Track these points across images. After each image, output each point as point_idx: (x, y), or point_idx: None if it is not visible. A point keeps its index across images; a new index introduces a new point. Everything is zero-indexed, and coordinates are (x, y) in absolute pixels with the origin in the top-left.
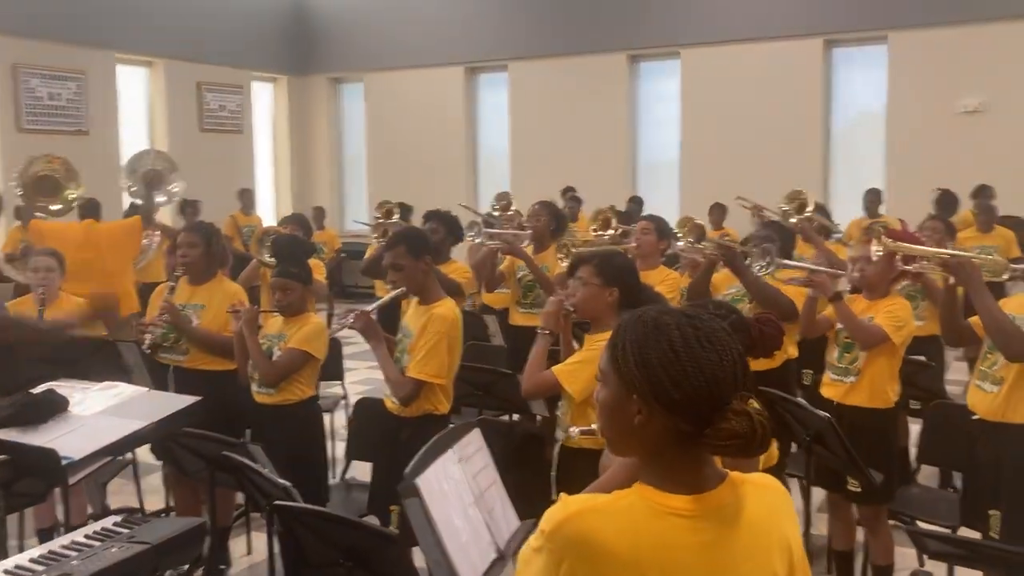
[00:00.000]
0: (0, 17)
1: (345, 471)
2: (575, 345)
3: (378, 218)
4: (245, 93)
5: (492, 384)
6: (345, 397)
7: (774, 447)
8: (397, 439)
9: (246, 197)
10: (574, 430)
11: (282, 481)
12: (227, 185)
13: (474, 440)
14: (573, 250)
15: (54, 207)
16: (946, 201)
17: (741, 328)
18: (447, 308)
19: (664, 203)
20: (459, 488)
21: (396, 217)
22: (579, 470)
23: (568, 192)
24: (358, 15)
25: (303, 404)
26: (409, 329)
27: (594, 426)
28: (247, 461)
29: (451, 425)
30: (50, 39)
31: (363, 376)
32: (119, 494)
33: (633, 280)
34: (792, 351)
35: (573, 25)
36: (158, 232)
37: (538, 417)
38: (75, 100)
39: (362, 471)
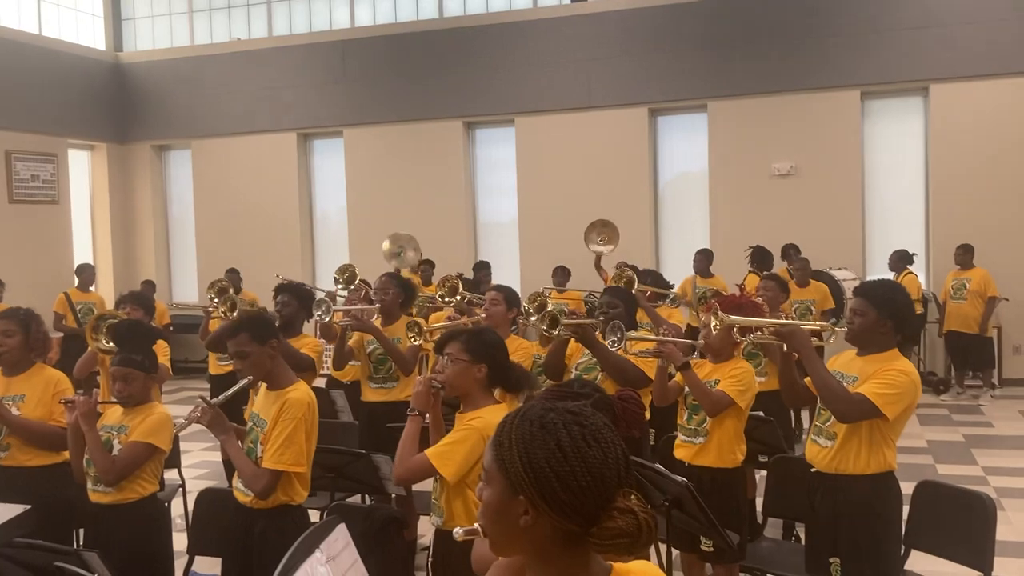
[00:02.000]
0: None
1: (188, 567)
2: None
3: (212, 298)
4: (60, 161)
5: (344, 466)
6: (183, 484)
7: None
8: (250, 532)
9: (85, 273)
10: (458, 531)
11: None
12: (42, 259)
13: (340, 536)
14: (424, 329)
15: None
16: (759, 257)
17: (604, 406)
18: (301, 392)
19: (505, 265)
20: None
21: (232, 292)
22: (455, 554)
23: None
24: (182, 82)
25: (145, 501)
26: (260, 417)
27: (477, 526)
28: (83, 572)
29: (307, 514)
30: None
31: (198, 459)
32: None
33: (502, 356)
34: (646, 416)
35: (408, 93)
36: None
37: (393, 497)
38: None
39: (205, 565)
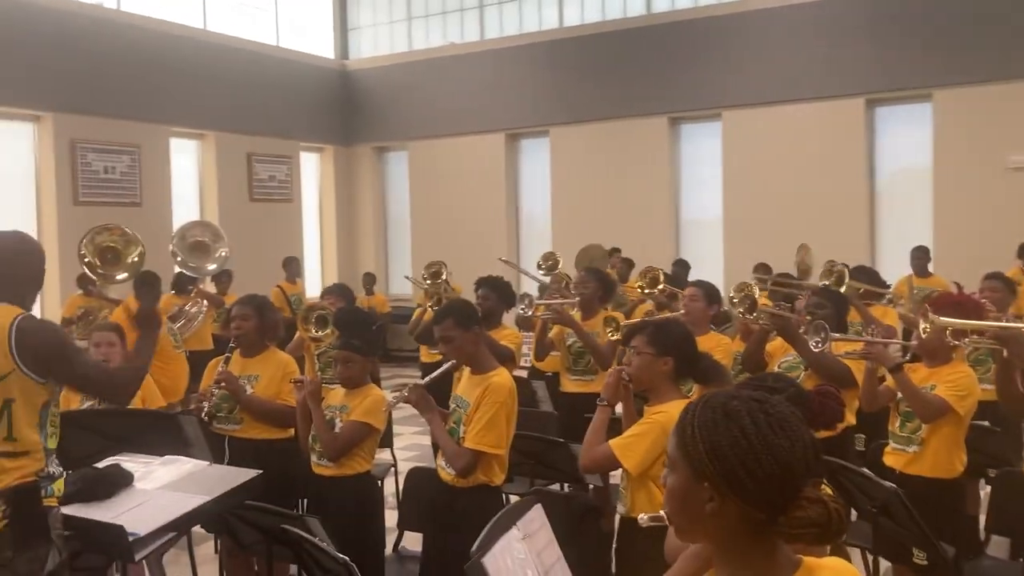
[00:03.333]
0: (60, 96)
1: (398, 542)
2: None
3: (425, 278)
4: (294, 163)
5: (543, 453)
6: (395, 464)
7: None
8: (450, 510)
9: (292, 265)
10: (643, 517)
11: (342, 556)
12: (275, 253)
13: (536, 516)
14: (622, 324)
15: (120, 276)
16: None
17: (801, 401)
18: (503, 378)
19: (708, 263)
20: (524, 566)
21: (444, 278)
22: (640, 543)
23: (615, 253)
24: (401, 86)
25: (361, 477)
26: (464, 399)
27: (662, 512)
28: (306, 535)
29: (503, 496)
30: (106, 115)
31: (410, 441)
32: (173, 564)
33: (689, 349)
34: (851, 419)
35: (613, 90)
36: (204, 300)
37: (591, 487)
38: (129, 173)
39: (414, 541)
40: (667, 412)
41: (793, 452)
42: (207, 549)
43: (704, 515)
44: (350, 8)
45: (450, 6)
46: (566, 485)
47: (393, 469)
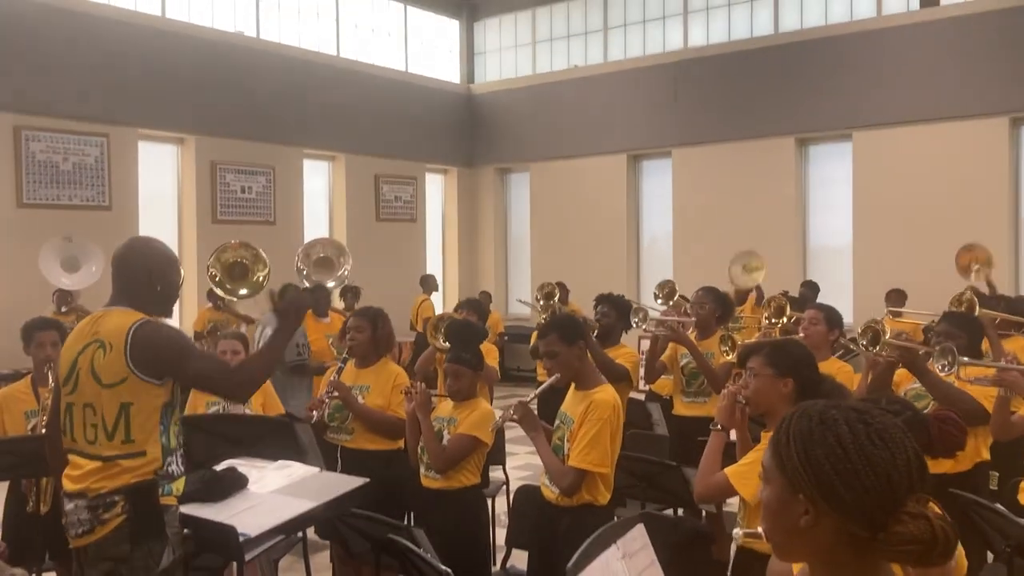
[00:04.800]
0: (202, 119)
1: (506, 559)
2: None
3: (538, 299)
4: (419, 184)
5: (655, 476)
6: (507, 482)
7: (962, 557)
8: (555, 529)
9: (429, 282)
10: (737, 532)
11: (445, 568)
12: (402, 271)
13: (638, 536)
14: (739, 343)
15: (242, 291)
16: None
17: (918, 425)
18: (607, 394)
19: (836, 288)
20: None
21: (556, 299)
22: (755, 572)
23: None
24: (525, 108)
25: (468, 491)
26: (568, 416)
27: (760, 529)
28: (411, 545)
29: (613, 517)
30: (244, 137)
31: (524, 461)
32: (289, 571)
33: (810, 371)
34: (984, 454)
35: (738, 110)
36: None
37: (704, 513)
38: (264, 193)
39: (522, 559)
40: None
41: (894, 465)
42: (323, 558)
43: (799, 529)
44: (476, 33)
45: (575, 29)
46: (680, 511)
47: (505, 487)
